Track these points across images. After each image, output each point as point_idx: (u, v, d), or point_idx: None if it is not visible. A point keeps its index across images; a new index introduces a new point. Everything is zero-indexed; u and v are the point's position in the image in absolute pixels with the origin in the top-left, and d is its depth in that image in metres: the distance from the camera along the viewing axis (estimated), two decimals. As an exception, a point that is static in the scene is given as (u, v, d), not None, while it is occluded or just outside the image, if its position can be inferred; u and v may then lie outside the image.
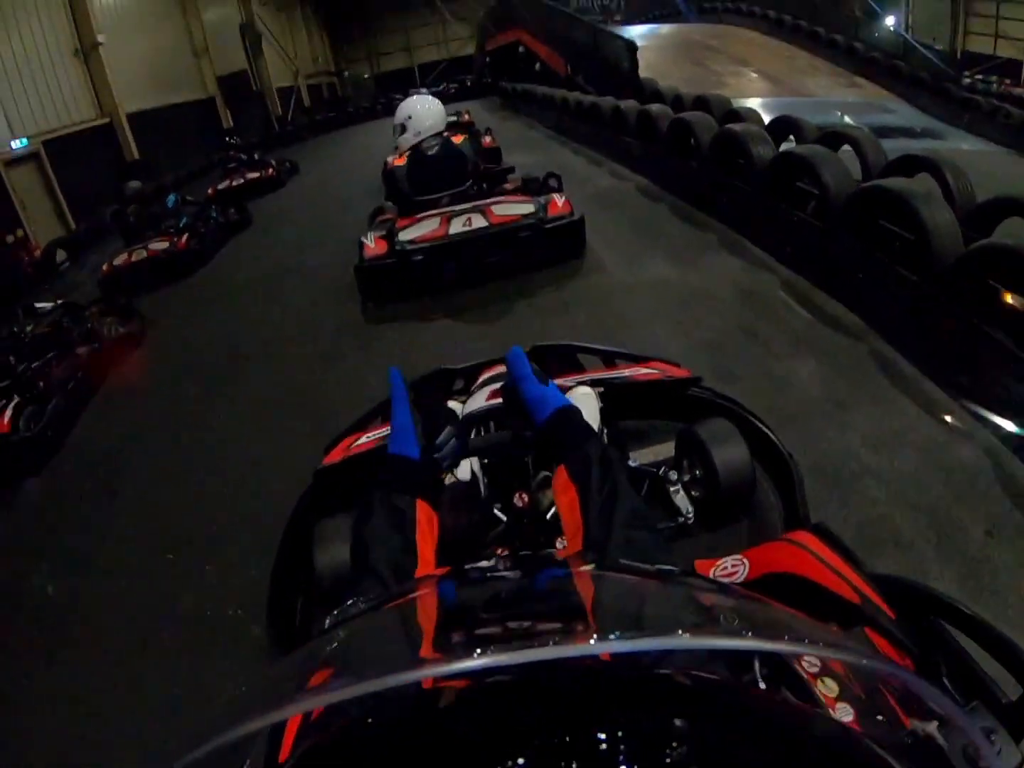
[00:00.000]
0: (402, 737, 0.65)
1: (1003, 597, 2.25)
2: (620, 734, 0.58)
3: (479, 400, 2.20)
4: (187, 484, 4.12)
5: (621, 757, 0.56)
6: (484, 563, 1.60)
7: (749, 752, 0.60)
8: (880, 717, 1.14)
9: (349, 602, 1.35)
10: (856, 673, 1.22)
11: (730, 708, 0.68)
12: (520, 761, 0.56)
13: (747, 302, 4.59)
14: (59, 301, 7.01)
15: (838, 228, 4.41)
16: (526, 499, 1.98)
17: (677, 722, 0.61)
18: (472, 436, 2.17)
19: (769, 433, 2.64)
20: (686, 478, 2.65)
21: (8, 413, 4.88)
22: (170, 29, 21.15)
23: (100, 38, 16.11)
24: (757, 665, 1.12)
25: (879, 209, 4.09)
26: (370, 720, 0.67)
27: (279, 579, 2.61)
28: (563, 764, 0.55)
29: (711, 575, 2.05)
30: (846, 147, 5.83)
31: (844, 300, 4.28)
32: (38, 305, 6.75)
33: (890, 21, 23.96)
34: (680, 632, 0.67)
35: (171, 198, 10.12)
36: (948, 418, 3.15)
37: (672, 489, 2.63)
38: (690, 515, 2.60)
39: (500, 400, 2.08)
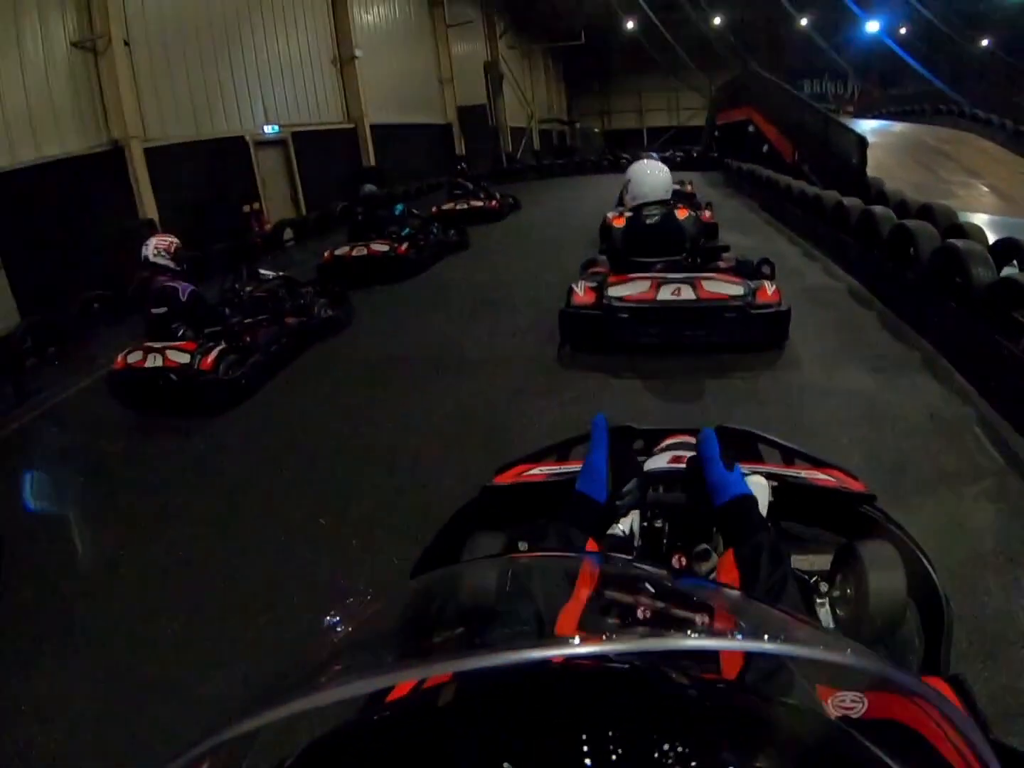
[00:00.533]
0: (402, 737, 0.64)
1: None
2: (620, 734, 0.59)
3: (660, 461, 2.30)
4: (355, 464, 4.52)
5: (621, 758, 0.56)
6: None
7: (749, 752, 0.61)
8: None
9: (348, 600, 1.47)
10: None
11: (730, 708, 0.69)
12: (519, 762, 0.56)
13: (940, 432, 4.45)
14: (280, 273, 7.69)
15: None
16: (684, 562, 2.03)
17: (678, 723, 0.62)
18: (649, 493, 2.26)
19: (931, 570, 2.52)
20: (836, 594, 2.58)
21: (213, 354, 5.53)
22: (421, 55, 22.97)
23: (357, 52, 17.80)
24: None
25: None
26: (370, 721, 0.68)
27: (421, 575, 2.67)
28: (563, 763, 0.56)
29: (828, 703, 2.02)
30: None
31: None
32: (262, 272, 7.40)
33: None
34: (679, 633, 0.69)
35: (399, 207, 10.99)
36: None
37: (819, 601, 2.58)
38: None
39: (682, 465, 2.20)
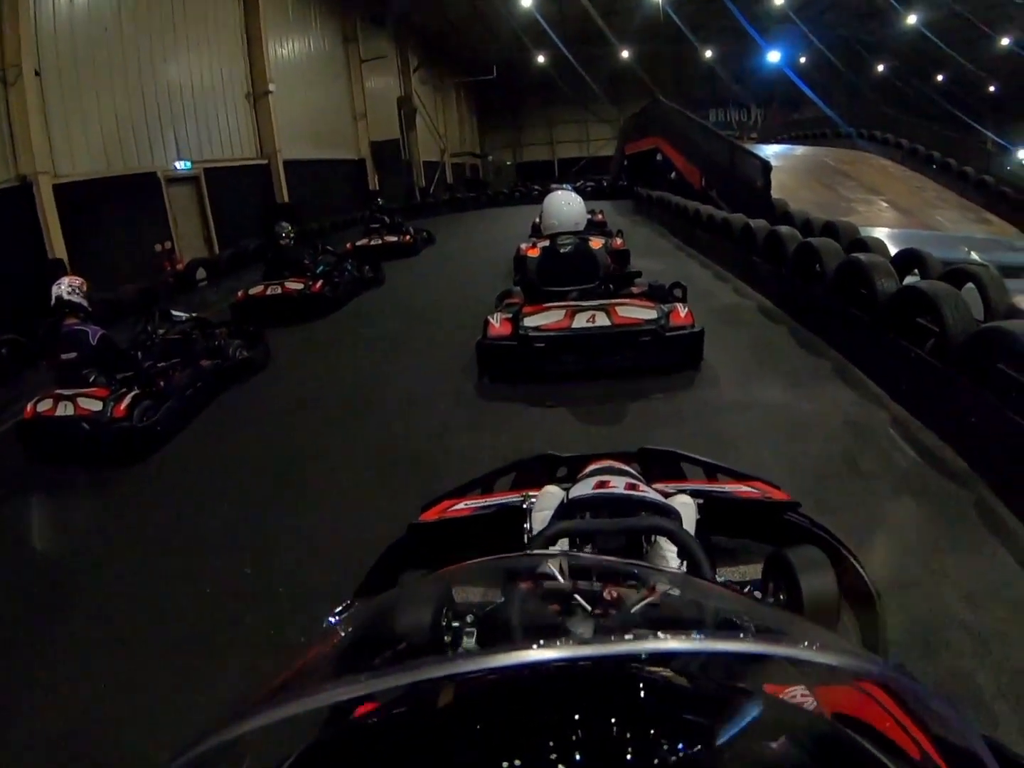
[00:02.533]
0: (399, 739, 0.65)
1: None
2: (620, 733, 0.59)
3: (585, 488, 2.28)
4: (280, 508, 4.35)
5: (621, 756, 0.57)
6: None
7: (750, 751, 0.61)
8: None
9: (347, 602, 1.46)
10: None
11: (730, 708, 0.69)
12: (518, 761, 0.57)
13: (856, 435, 4.60)
14: (194, 314, 7.46)
15: (954, 369, 4.34)
16: (615, 595, 2.04)
17: (678, 723, 0.63)
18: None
19: (860, 569, 2.59)
20: (770, 600, 2.57)
21: (126, 400, 5.28)
22: (335, 89, 22.94)
23: (271, 86, 17.61)
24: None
25: (998, 352, 4.00)
26: (367, 723, 0.68)
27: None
28: (563, 763, 0.56)
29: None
30: (970, 285, 5.64)
31: (954, 444, 4.20)
32: (174, 312, 7.15)
33: (1022, 154, 23.57)
34: (676, 635, 0.69)
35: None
36: None
37: None
38: None
39: (606, 491, 2.21)
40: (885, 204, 16.40)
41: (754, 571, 2.84)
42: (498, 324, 6.01)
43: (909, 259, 6.71)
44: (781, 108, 37.71)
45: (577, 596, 2.12)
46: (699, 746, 0.60)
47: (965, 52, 30.24)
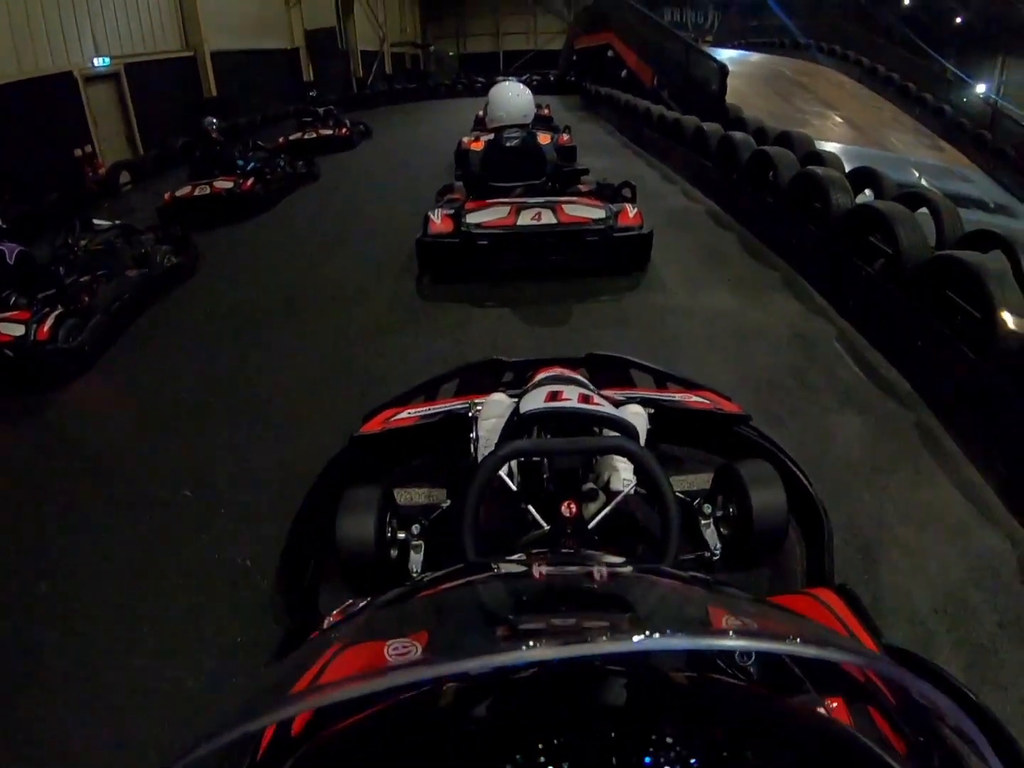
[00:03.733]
0: (402, 738, 0.65)
1: (1006, 692, 2.21)
2: (620, 733, 0.59)
3: (537, 399, 2.15)
4: (215, 424, 4.13)
5: (622, 755, 0.57)
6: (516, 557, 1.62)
7: (750, 751, 0.61)
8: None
9: (349, 602, 1.43)
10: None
11: (731, 708, 0.70)
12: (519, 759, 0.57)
13: (802, 347, 4.57)
14: (117, 222, 7.03)
15: (904, 291, 4.35)
16: (574, 509, 1.95)
17: (679, 722, 0.62)
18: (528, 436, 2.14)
19: (808, 485, 2.64)
20: (719, 514, 2.65)
21: (49, 321, 4.89)
22: (266, -26, 21.20)
23: (195, -29, 16.13)
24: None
25: (949, 280, 4.02)
26: (368, 721, 0.67)
27: (296, 540, 2.61)
28: (563, 762, 0.56)
29: (724, 620, 2.03)
30: (923, 210, 5.69)
31: (898, 365, 4.23)
32: (96, 222, 6.76)
33: (981, 88, 23.63)
34: (677, 632, 0.69)
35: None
36: (981, 503, 3.10)
37: (704, 522, 2.64)
38: (717, 551, 2.60)
39: (559, 404, 2.09)
40: (840, 120, 16.35)
41: (702, 481, 2.87)
42: (439, 221, 5.71)
43: (865, 177, 6.64)
44: (739, 13, 36.79)
45: (531, 509, 2.00)
46: (692, 743, 0.60)
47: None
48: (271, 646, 2.26)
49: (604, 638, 0.63)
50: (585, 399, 2.13)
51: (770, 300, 5.33)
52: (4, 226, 5.27)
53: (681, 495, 2.59)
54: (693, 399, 2.99)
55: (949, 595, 2.59)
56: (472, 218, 5.60)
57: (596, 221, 5.51)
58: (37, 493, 3.67)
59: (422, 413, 2.90)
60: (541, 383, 2.44)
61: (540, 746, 0.59)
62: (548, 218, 5.50)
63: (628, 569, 1.18)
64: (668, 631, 0.68)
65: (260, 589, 2.75)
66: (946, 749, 0.81)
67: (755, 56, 24.84)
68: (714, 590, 1.15)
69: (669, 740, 0.58)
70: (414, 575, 2.49)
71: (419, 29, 39.90)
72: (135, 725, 2.23)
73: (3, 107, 10.50)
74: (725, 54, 20.62)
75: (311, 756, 0.70)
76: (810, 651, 0.69)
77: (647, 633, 0.65)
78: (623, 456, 1.98)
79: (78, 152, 12.45)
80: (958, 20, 32.41)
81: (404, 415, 2.93)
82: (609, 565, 1.23)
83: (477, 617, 1.03)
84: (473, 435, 2.62)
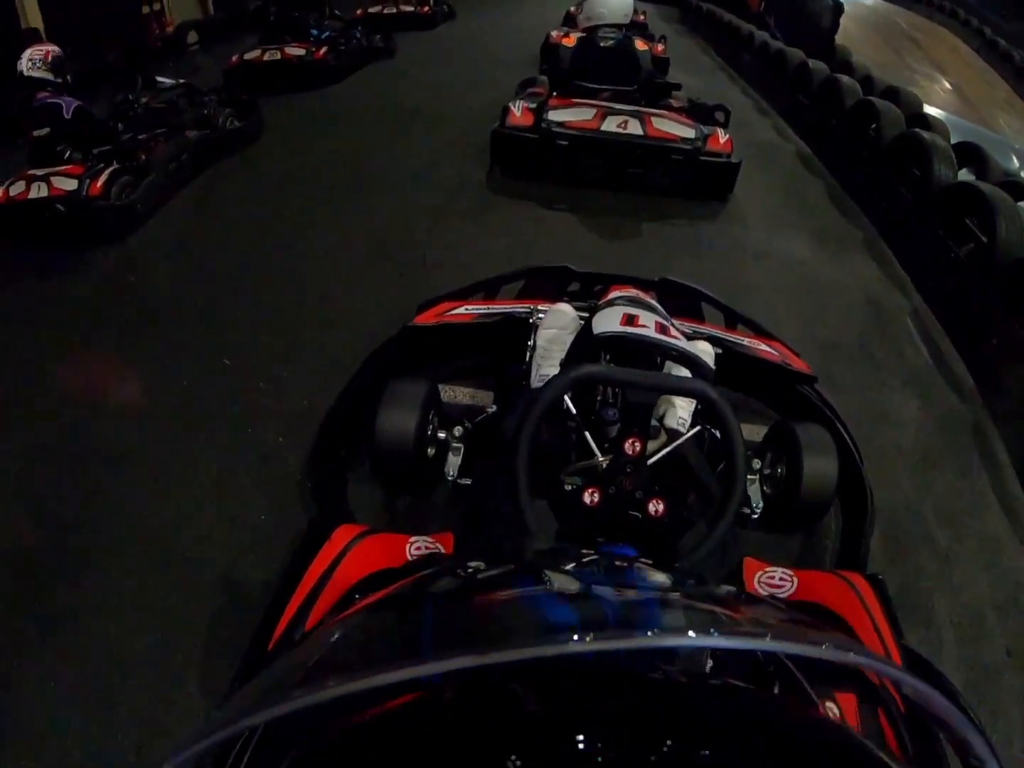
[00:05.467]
0: (404, 735, 0.65)
1: (1000, 718, 2.21)
2: (621, 731, 0.60)
3: (612, 321, 2.02)
4: (261, 294, 4.13)
5: (623, 754, 0.57)
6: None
7: (752, 751, 0.62)
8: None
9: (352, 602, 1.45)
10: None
11: (732, 708, 0.70)
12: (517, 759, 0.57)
13: (873, 316, 4.41)
14: (181, 80, 6.95)
15: (992, 285, 4.09)
16: (638, 448, 1.84)
17: (679, 722, 0.63)
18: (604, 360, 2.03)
19: (860, 463, 2.59)
20: (767, 471, 2.59)
21: (103, 177, 4.89)
22: None
23: None
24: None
25: None
26: (369, 720, 0.67)
27: (333, 424, 2.61)
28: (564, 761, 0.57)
29: (756, 578, 2.03)
30: None
31: (968, 359, 4.03)
32: (159, 79, 6.70)
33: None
34: (677, 632, 0.69)
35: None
36: (1019, 522, 3.02)
37: (750, 477, 2.57)
38: (758, 509, 2.54)
39: (636, 329, 1.97)
40: (948, 87, 15.50)
41: (753, 433, 2.77)
42: (519, 113, 5.48)
43: (971, 154, 6.24)
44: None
45: (588, 437, 1.89)
46: (702, 742, 0.61)
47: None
48: (292, 533, 2.32)
49: (610, 634, 0.64)
50: (663, 329, 2.01)
51: (849, 259, 5.11)
52: (60, 81, 5.15)
53: None
54: (763, 348, 2.90)
55: (967, 608, 2.55)
56: (554, 115, 5.38)
57: (685, 140, 5.29)
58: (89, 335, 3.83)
59: (481, 311, 2.84)
60: (614, 302, 2.31)
61: (541, 745, 0.59)
62: (635, 128, 5.27)
63: (676, 596, 1.13)
64: (675, 630, 0.70)
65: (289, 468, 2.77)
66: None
67: (872, 0, 23.51)
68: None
69: (669, 740, 0.59)
70: (449, 478, 2.44)
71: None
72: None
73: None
74: (840, -9, 19.58)
75: (310, 756, 0.71)
76: (814, 652, 0.69)
77: (653, 630, 0.65)
78: (704, 404, 1.86)
79: (146, 8, 12.14)
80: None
81: (461, 311, 2.87)
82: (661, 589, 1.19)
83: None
84: (531, 343, 2.54)
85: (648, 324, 1.99)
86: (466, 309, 2.87)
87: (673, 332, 2.05)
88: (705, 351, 2.48)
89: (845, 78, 7.80)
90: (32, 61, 5.08)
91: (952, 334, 4.26)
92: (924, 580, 2.61)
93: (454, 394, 2.98)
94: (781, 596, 2.00)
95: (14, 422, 3.15)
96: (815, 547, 2.61)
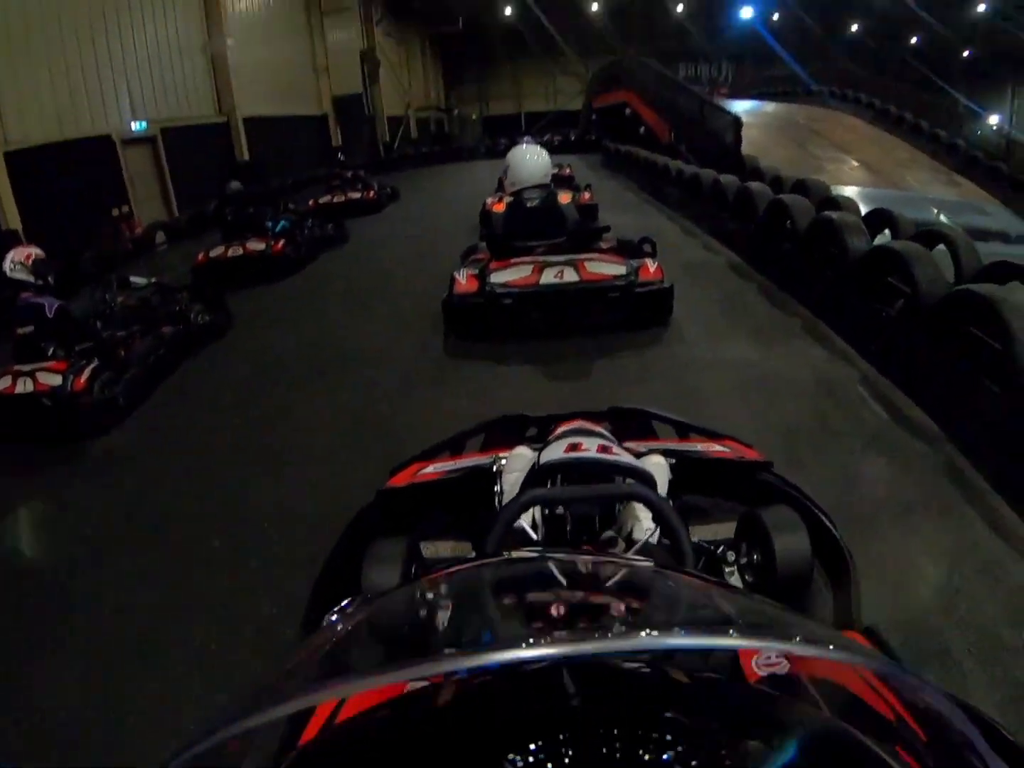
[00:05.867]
0: (399, 736, 0.65)
1: None
2: (621, 731, 0.59)
3: (557, 451, 2.22)
4: (238, 490, 4.17)
5: (623, 753, 0.57)
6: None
7: (750, 750, 0.61)
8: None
9: (348, 600, 1.41)
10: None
11: (732, 706, 0.70)
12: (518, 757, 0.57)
13: (825, 393, 4.59)
14: (153, 279, 7.22)
15: (925, 330, 4.31)
16: (589, 568, 1.99)
17: (679, 719, 0.62)
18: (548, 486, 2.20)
19: (832, 528, 2.60)
20: (743, 561, 2.60)
21: (86, 374, 5.07)
22: (295, 44, 22.23)
23: (229, 40, 16.99)
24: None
25: (969, 315, 3.96)
26: (366, 721, 0.68)
27: (323, 589, 2.62)
28: (564, 760, 0.56)
29: (752, 663, 2.02)
30: (941, 247, 5.64)
31: (923, 404, 4.17)
32: (132, 279, 6.94)
33: (994, 120, 23.69)
34: (677, 631, 0.69)
35: (282, 223, 10.33)
36: (1015, 539, 3.04)
37: (727, 570, 2.60)
38: None
39: (578, 455, 2.16)
40: (856, 163, 16.44)
41: (727, 530, 2.82)
42: (464, 281, 5.86)
43: (881, 219, 6.70)
44: (753, 64, 37.32)
45: (552, 566, 2.05)
46: (694, 743, 0.60)
47: (941, 15, 29.88)
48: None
49: (610, 635, 0.66)
50: (604, 450, 2.19)
51: (792, 347, 5.36)
52: (40, 282, 5.40)
53: (705, 543, 2.61)
54: (715, 448, 2.99)
55: (981, 633, 2.54)
56: (496, 277, 5.71)
57: (617, 277, 5.59)
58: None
59: (448, 468, 2.94)
60: (562, 436, 2.48)
61: (541, 743, 0.59)
62: (570, 275, 5.58)
63: (648, 565, 1.21)
64: (671, 629, 0.70)
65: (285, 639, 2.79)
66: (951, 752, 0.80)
67: (770, 105, 25.17)
68: (724, 588, 1.17)
69: (669, 738, 0.59)
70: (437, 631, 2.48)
71: (443, 94, 41.12)
72: None
73: (46, 167, 11.03)
74: (740, 105, 20.98)
75: (310, 755, 0.69)
76: (811, 651, 0.71)
77: (648, 632, 0.66)
78: (638, 502, 2.02)
79: (115, 211, 12.99)
80: (965, 54, 32.65)
81: (430, 469, 2.97)
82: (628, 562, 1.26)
83: (490, 603, 1.06)
84: (497, 489, 2.65)
85: (590, 448, 2.18)
86: (435, 467, 2.98)
87: (615, 450, 2.23)
88: (658, 463, 2.60)
89: (755, 184, 8.44)
90: (14, 263, 5.31)
91: (903, 387, 4.41)
92: (929, 620, 2.61)
93: (435, 549, 2.96)
94: (782, 674, 2.00)
95: None
96: (808, 616, 2.64)
